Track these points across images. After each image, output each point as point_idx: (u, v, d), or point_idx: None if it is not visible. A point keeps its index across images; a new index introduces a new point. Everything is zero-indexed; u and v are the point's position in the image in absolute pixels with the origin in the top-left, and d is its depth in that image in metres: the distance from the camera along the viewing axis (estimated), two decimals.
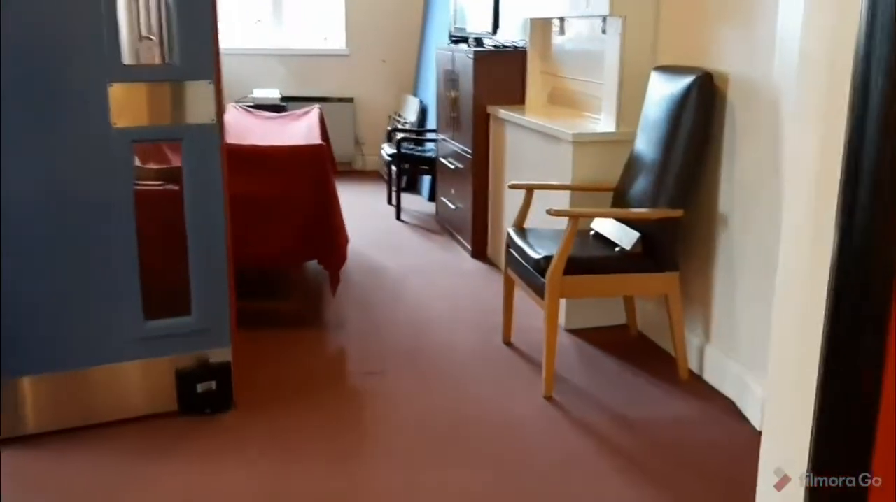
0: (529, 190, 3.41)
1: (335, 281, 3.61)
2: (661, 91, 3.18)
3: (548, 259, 2.95)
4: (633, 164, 3.29)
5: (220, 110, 2.72)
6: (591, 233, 3.29)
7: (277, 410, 2.91)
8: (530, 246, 3.11)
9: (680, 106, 3.03)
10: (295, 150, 3.51)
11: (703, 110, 2.99)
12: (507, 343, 3.51)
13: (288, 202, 3.43)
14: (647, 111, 3.28)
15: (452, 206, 5.10)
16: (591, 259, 3.04)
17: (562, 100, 4.35)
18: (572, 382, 3.14)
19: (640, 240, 3.01)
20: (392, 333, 3.64)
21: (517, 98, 4.64)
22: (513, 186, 3.41)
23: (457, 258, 4.81)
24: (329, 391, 3.08)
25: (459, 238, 5.05)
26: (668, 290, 3.07)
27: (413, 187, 6.69)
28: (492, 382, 3.16)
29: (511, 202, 4.33)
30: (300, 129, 4.24)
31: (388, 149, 5.98)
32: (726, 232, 3.01)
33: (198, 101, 2.68)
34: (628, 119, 3.51)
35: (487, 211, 4.75)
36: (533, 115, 4.20)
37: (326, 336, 3.60)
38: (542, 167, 3.88)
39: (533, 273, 3.06)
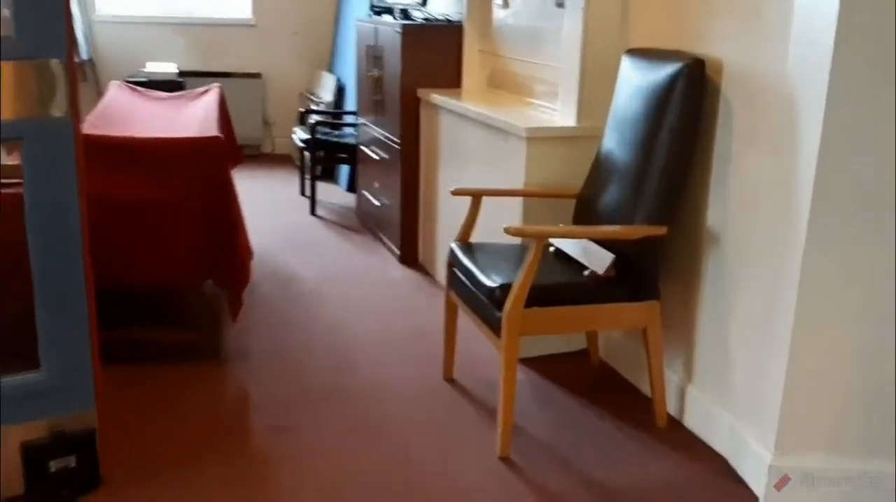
0: (476, 197, 2.82)
1: (236, 305, 2.95)
2: (637, 80, 2.62)
3: (505, 288, 2.37)
4: (601, 168, 2.73)
5: (75, 99, 2.03)
6: (552, 249, 2.73)
7: (159, 486, 2.26)
8: (482, 269, 2.52)
9: (662, 99, 2.48)
10: (184, 144, 2.82)
11: (691, 106, 2.44)
12: (450, 379, 2.93)
13: (174, 209, 2.75)
14: (618, 104, 2.72)
15: (376, 202, 4.47)
16: (557, 287, 2.48)
17: (504, 83, 3.76)
18: (530, 433, 2.58)
19: (615, 263, 2.47)
20: (307, 367, 3.00)
21: (451, 80, 4.03)
22: (457, 193, 2.81)
23: (383, 264, 4.19)
24: (227, 455, 2.43)
25: (385, 239, 4.43)
26: (648, 322, 2.54)
27: (329, 175, 6.01)
28: (434, 437, 2.58)
29: (447, 202, 3.74)
30: (195, 115, 3.53)
31: (301, 134, 5.29)
32: (716, 252, 2.49)
33: (43, 88, 1.98)
34: (592, 111, 2.95)
35: (418, 210, 4.14)
36: (471, 101, 3.59)
37: (226, 374, 2.94)
38: (487, 165, 3.29)
39: (485, 304, 2.48)
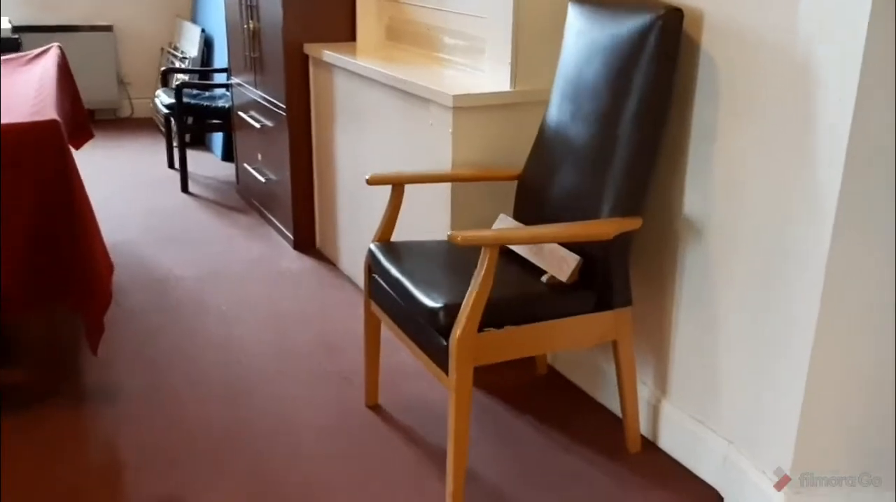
0: (398, 185, 2.26)
1: (95, 333, 2.31)
2: (594, 36, 2.12)
3: (451, 310, 1.85)
4: (550, 145, 2.23)
5: None
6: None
7: None
8: (417, 283, 1.99)
9: (628, 61, 1.99)
10: (9, 133, 2.12)
11: (666, 70, 1.96)
12: (374, 405, 2.40)
13: None
14: (567, 66, 2.21)
15: (261, 178, 3.83)
16: (513, 301, 1.98)
17: (408, 37, 3.18)
18: (481, 475, 2.10)
19: (580, 265, 1.99)
20: (193, 405, 2.40)
21: (344, 33, 3.41)
22: (374, 181, 2.24)
23: (275, 252, 3.58)
24: None
25: (274, 221, 3.81)
26: (619, 334, 2.08)
27: (201, 141, 5.28)
28: (360, 489, 2.06)
29: (348, 178, 3.17)
30: (27, 87, 2.78)
31: (164, 98, 4.54)
32: (695, 246, 2.05)
33: None
34: (530, 73, 2.44)
35: (313, 186, 3.55)
36: (372, 58, 3.01)
37: (86, 422, 2.31)
38: (399, 138, 2.73)
39: (425, 328, 1.96)
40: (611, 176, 2.01)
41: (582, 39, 2.16)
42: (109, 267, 2.37)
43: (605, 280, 2.02)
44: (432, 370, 1.95)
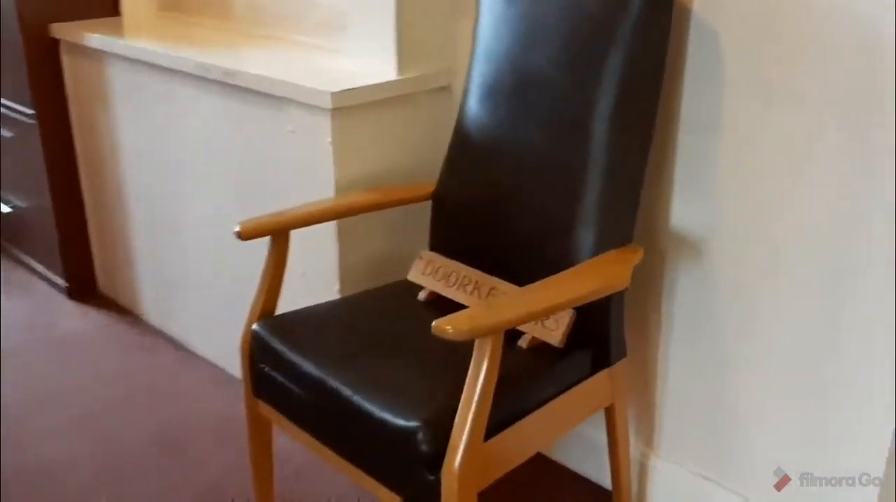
0: (280, 233, 1.56)
1: None
2: (533, 6, 1.55)
3: (437, 428, 1.24)
4: (480, 153, 1.64)
5: None
6: (421, 296, 1.64)
7: None
8: (360, 387, 1.34)
9: (600, 38, 1.45)
10: None
11: (658, 43, 1.46)
12: None
13: None
14: (491, 47, 1.61)
15: (5, 208, 2.84)
16: (502, 390, 1.39)
17: (196, 5, 2.40)
18: None
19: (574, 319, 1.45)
20: None
21: (100, 5, 2.54)
22: (248, 233, 1.49)
23: (45, 307, 2.66)
24: None
25: (34, 263, 2.86)
26: (616, 396, 1.58)
27: None
28: None
29: (144, 197, 2.37)
30: None
31: None
32: (692, 269, 1.60)
33: None
34: (418, 54, 1.82)
35: (84, 211, 2.66)
36: (157, 38, 2.20)
37: None
38: (237, 153, 1.99)
39: (385, 455, 1.32)
40: (589, 194, 1.48)
41: (513, 10, 1.58)
42: None
43: (601, 332, 1.50)
44: None
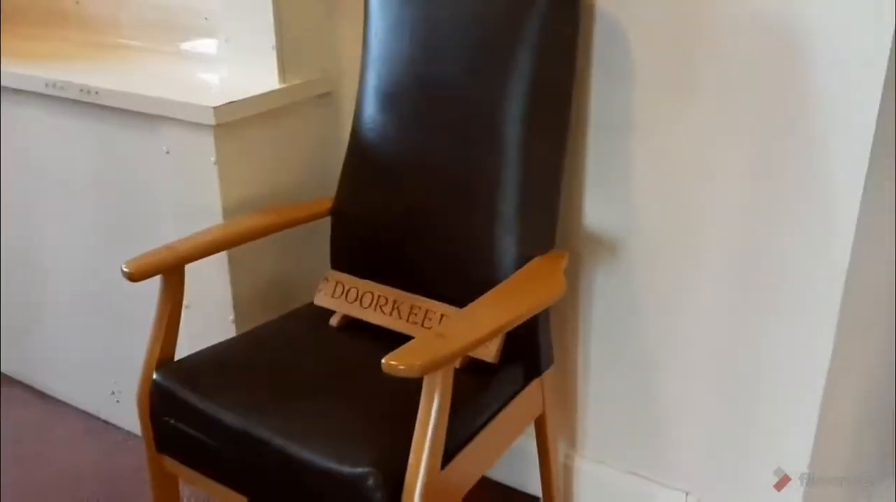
0: (173, 271, 1.39)
1: None
2: (429, 8, 1.47)
3: (389, 472, 1.14)
4: (381, 164, 1.53)
5: None
6: (333, 323, 1.53)
7: None
8: (289, 433, 1.22)
9: (506, 35, 1.39)
10: None
11: (567, 36, 1.41)
12: None
13: None
14: (386, 52, 1.51)
15: None
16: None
17: (29, 15, 2.14)
18: None
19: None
20: None
21: None
22: (138, 274, 1.30)
23: None
24: None
25: None
26: (547, 404, 1.54)
27: None
28: None
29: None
30: None
31: None
32: (611, 271, 1.58)
33: None
34: (301, 59, 1.69)
35: None
36: None
37: None
38: (109, 187, 1.78)
39: None
40: (506, 201, 1.41)
41: (411, 13, 1.49)
42: None
43: (533, 343, 1.45)
44: None
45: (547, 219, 1.46)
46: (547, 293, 1.31)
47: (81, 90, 1.66)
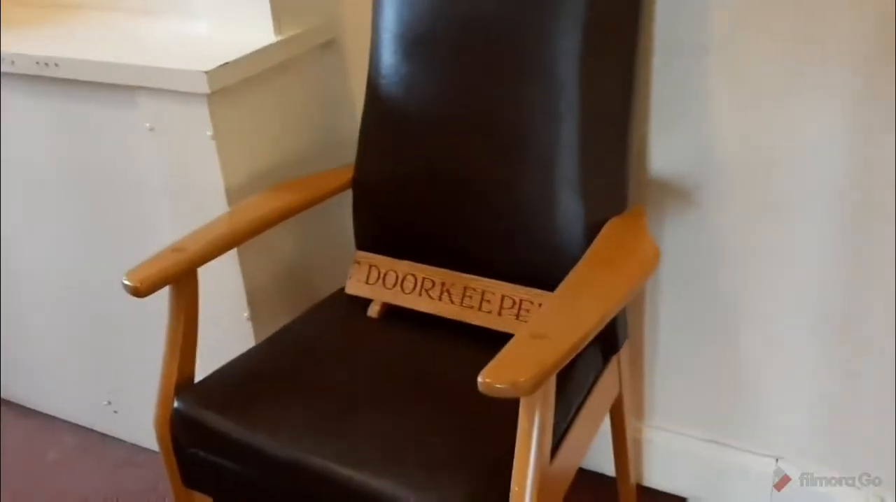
0: (185, 278, 1.15)
1: None
2: None
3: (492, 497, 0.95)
4: (411, 117, 1.30)
5: None
6: (375, 314, 1.31)
7: None
8: (361, 468, 1.01)
9: None
10: None
11: None
12: None
13: None
14: None
15: None
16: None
17: None
18: None
19: None
20: None
21: None
22: (144, 288, 1.07)
23: None
24: None
25: None
26: (623, 380, 1.35)
27: None
28: None
29: None
30: None
31: None
32: (681, 222, 1.37)
33: None
34: (297, 6, 1.43)
35: None
36: None
37: None
38: (83, 175, 1.51)
39: None
40: (567, 151, 1.19)
41: None
42: None
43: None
44: None
45: (618, 171, 1.24)
46: (644, 263, 1.09)
47: (38, 63, 1.38)
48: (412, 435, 1.05)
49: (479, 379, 0.85)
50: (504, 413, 0.95)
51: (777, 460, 1.47)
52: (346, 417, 1.09)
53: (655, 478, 1.60)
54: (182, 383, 1.17)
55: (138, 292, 1.08)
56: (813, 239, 1.28)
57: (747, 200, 1.30)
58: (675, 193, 1.35)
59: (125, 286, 1.09)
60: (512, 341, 0.91)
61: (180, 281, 1.14)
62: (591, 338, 0.93)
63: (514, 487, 0.93)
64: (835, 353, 1.34)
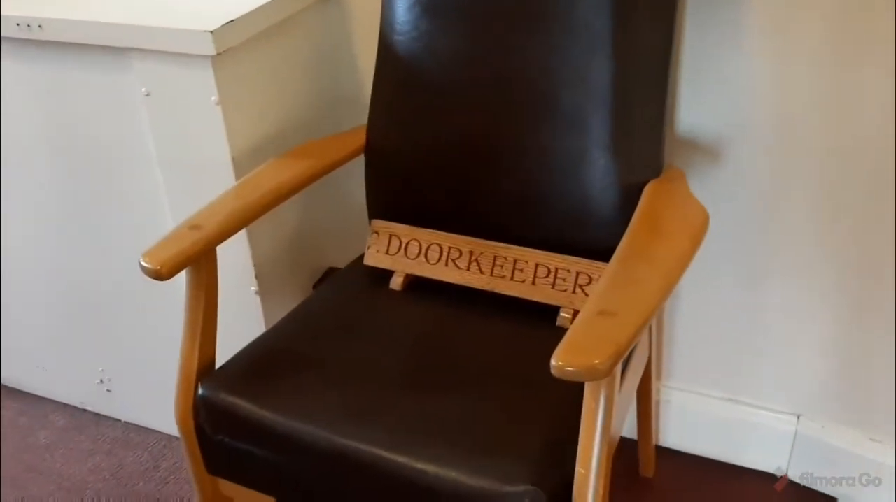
0: (205, 258, 1.07)
1: None
2: None
3: (554, 488, 0.91)
4: (427, 76, 1.22)
5: None
6: (398, 286, 1.25)
7: None
8: (397, 442, 0.96)
9: None
10: None
11: None
12: None
13: None
14: None
15: None
16: None
17: None
18: None
19: None
20: None
21: None
22: (166, 270, 1.00)
23: None
24: None
25: None
26: (651, 344, 1.32)
27: None
28: None
29: None
30: None
31: None
32: (710, 176, 1.33)
33: None
34: None
35: None
36: None
37: None
38: (73, 145, 1.41)
39: None
40: (602, 107, 1.13)
41: None
42: None
43: None
44: None
45: (656, 130, 1.18)
46: (696, 230, 1.05)
47: (19, 25, 1.26)
48: (458, 416, 1.01)
49: (553, 361, 0.80)
50: (548, 390, 0.90)
51: (798, 417, 1.47)
52: (382, 399, 1.04)
53: (672, 439, 1.59)
54: (203, 370, 1.10)
55: (160, 275, 1.00)
56: (841, 197, 1.25)
57: (781, 157, 1.27)
58: (703, 150, 1.31)
59: (144, 269, 1.01)
60: (578, 319, 0.86)
61: (199, 261, 1.06)
62: (654, 312, 0.89)
63: (579, 469, 0.89)
64: (858, 308, 1.33)
